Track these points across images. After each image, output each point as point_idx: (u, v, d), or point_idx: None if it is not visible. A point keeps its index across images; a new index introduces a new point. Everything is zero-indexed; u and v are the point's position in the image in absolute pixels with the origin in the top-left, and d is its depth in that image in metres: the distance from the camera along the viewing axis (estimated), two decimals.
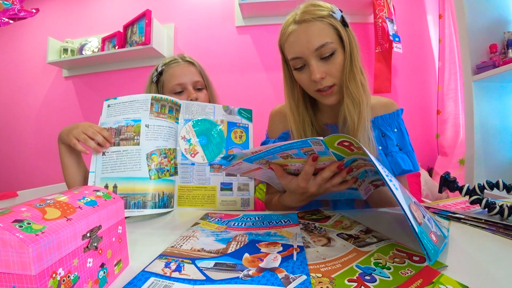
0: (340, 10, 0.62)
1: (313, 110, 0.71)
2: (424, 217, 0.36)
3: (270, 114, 0.81)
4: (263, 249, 0.40)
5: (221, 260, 0.37)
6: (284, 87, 0.69)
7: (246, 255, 0.38)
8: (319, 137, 0.42)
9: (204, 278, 0.32)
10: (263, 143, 0.80)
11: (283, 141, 0.45)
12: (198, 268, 0.35)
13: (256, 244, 0.42)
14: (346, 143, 0.41)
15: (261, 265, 0.35)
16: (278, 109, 0.79)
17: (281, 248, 0.40)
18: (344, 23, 0.60)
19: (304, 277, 0.31)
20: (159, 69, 0.79)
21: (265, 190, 1.16)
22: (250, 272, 0.33)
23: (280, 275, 0.32)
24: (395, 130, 0.69)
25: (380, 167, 0.35)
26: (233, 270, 0.34)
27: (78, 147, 0.59)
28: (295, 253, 0.38)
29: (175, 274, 0.33)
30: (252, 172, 0.60)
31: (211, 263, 0.36)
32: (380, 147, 0.68)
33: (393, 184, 0.35)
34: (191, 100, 0.77)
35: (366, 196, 0.57)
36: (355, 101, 0.61)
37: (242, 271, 0.34)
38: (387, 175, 0.35)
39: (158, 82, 0.80)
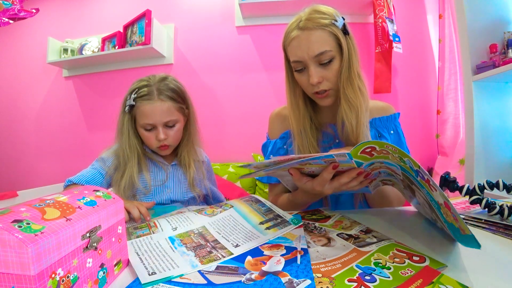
0: (342, 17, 0.64)
1: (312, 108, 0.73)
2: None
3: (270, 116, 0.83)
4: (266, 252, 0.39)
5: (224, 263, 0.37)
6: (285, 84, 0.72)
7: (249, 258, 0.38)
8: (344, 150, 0.42)
9: (205, 282, 0.32)
10: (264, 145, 0.82)
11: (306, 154, 0.45)
12: (199, 272, 0.35)
13: (259, 247, 0.41)
14: (368, 149, 0.41)
15: (264, 268, 0.34)
16: (277, 112, 0.82)
17: (284, 251, 0.39)
18: (345, 31, 0.63)
19: (308, 281, 0.31)
20: (131, 102, 0.76)
21: (266, 190, 1.15)
22: (253, 276, 0.33)
23: (284, 279, 0.31)
24: (392, 132, 0.72)
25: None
26: (235, 273, 0.34)
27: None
28: (299, 256, 0.37)
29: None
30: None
31: (212, 266, 0.36)
32: None
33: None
34: (158, 140, 0.77)
35: (374, 191, 0.58)
36: (352, 106, 0.64)
37: (245, 274, 0.33)
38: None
39: (130, 112, 0.78)
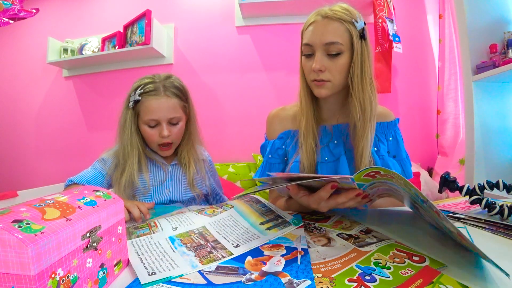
0: (364, 22, 0.66)
1: (316, 103, 0.74)
2: None
3: (267, 117, 0.83)
4: (266, 252, 0.39)
5: (224, 263, 0.37)
6: (299, 70, 0.73)
7: (249, 258, 0.38)
8: (347, 175, 0.42)
9: (205, 282, 0.32)
10: (262, 146, 0.82)
11: (309, 175, 0.44)
12: (199, 272, 0.35)
13: (259, 247, 0.41)
14: (372, 173, 0.41)
15: (264, 268, 0.34)
16: (275, 112, 0.82)
17: (284, 251, 0.39)
18: (362, 34, 0.64)
19: (308, 282, 0.31)
20: (137, 97, 0.76)
21: (267, 191, 1.16)
22: (253, 276, 0.32)
23: (284, 280, 0.31)
24: (390, 138, 0.73)
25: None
26: (235, 274, 0.33)
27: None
28: (299, 256, 0.37)
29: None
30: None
31: (212, 267, 0.36)
32: (376, 148, 0.71)
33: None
34: (162, 137, 0.77)
35: (370, 205, 0.57)
36: (363, 109, 0.65)
37: (245, 275, 0.33)
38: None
39: (134, 108, 0.78)
